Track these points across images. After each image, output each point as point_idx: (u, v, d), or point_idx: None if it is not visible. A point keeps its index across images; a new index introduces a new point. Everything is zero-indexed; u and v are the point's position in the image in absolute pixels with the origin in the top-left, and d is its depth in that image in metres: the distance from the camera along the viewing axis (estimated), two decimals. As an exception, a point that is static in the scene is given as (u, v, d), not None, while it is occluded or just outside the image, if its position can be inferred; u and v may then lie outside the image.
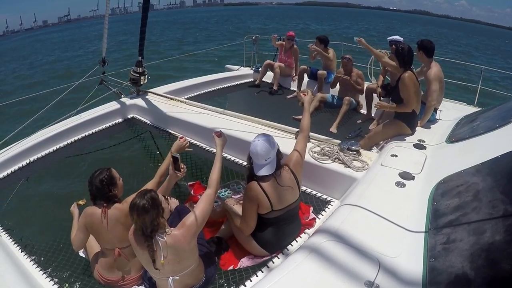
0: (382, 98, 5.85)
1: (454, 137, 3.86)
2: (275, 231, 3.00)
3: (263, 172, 2.86)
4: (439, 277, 1.99)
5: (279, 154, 2.97)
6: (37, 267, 3.12)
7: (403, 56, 4.32)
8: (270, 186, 2.87)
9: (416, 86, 4.30)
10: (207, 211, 2.59)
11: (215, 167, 2.82)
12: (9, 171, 4.57)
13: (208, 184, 2.74)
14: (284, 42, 8.34)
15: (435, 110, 4.87)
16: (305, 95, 3.68)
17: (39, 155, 4.90)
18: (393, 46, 5.79)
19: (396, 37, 6.08)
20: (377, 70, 6.93)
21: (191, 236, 2.45)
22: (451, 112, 5.21)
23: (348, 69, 6.67)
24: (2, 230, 3.60)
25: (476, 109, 5.58)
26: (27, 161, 4.75)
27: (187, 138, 3.42)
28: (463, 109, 5.47)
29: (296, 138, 3.99)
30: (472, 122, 4.00)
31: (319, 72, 7.48)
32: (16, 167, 4.64)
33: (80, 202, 3.19)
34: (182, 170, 3.09)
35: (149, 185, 3.03)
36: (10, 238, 3.50)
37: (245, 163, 4.26)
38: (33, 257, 3.27)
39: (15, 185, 4.31)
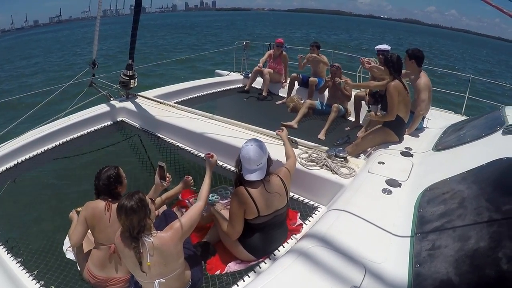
0: (370, 106, 5.90)
1: (441, 145, 3.90)
2: (262, 236, 3.00)
3: (253, 177, 2.86)
4: (424, 282, 2.01)
5: (269, 160, 2.99)
6: (23, 269, 3.08)
7: (393, 65, 4.36)
8: (257, 191, 2.87)
9: (402, 94, 4.33)
10: (195, 220, 2.64)
11: (205, 183, 2.90)
12: None
13: (198, 197, 2.80)
14: (272, 50, 8.39)
15: (423, 118, 4.92)
16: (281, 131, 3.82)
17: (27, 156, 4.84)
18: (380, 55, 5.86)
19: (384, 46, 6.14)
20: (365, 78, 7.00)
21: (177, 239, 2.45)
22: (438, 120, 5.27)
23: (337, 77, 6.71)
24: None
25: (463, 117, 5.65)
26: (15, 162, 4.69)
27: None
28: (450, 118, 5.54)
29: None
30: (459, 131, 4.05)
31: (311, 79, 7.55)
32: (4, 167, 4.58)
33: (79, 209, 3.17)
34: (167, 179, 3.15)
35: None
36: None
37: (233, 169, 4.27)
38: (20, 259, 3.22)
39: (1, 186, 4.25)
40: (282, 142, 3.75)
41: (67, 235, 3.33)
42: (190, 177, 3.41)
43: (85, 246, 3.13)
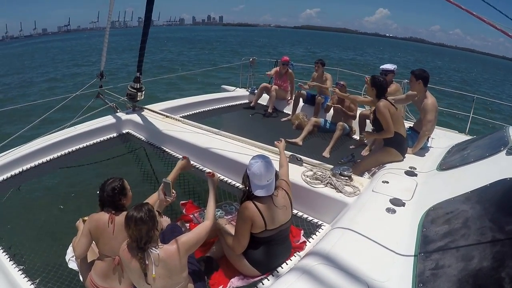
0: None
1: (445, 165, 3.91)
2: (266, 250, 3.01)
3: (263, 193, 2.88)
4: (427, 302, 2.01)
5: (277, 175, 3.03)
6: (25, 277, 3.08)
7: (381, 88, 4.50)
8: (265, 206, 2.89)
9: (392, 111, 4.39)
10: (202, 238, 2.68)
11: (210, 202, 2.97)
12: (0, 178, 4.54)
13: (206, 217, 2.85)
14: (278, 68, 8.47)
15: (427, 138, 4.93)
16: (279, 142, 3.89)
17: (32, 164, 4.87)
18: (385, 75, 5.98)
19: (388, 66, 6.21)
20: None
21: (183, 252, 2.47)
22: (442, 140, 5.27)
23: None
24: None
25: (468, 137, 5.65)
26: (20, 169, 4.72)
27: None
28: (454, 137, 5.54)
29: (289, 161, 4.05)
30: (463, 151, 4.06)
31: (318, 98, 7.60)
32: (9, 174, 4.60)
33: (85, 218, 3.19)
34: (173, 195, 3.16)
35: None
36: None
37: (237, 184, 4.28)
38: (22, 267, 3.23)
39: (5, 193, 4.28)
40: (287, 159, 3.76)
41: (70, 245, 3.35)
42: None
43: (89, 256, 3.13)
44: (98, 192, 2.97)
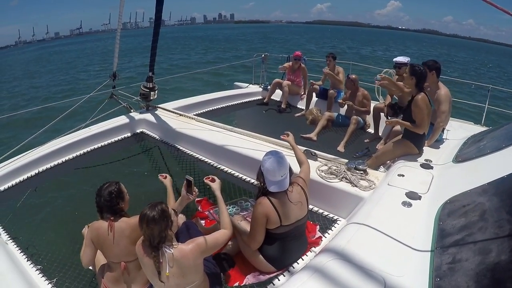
0: (389, 118, 5.86)
1: (461, 157, 3.87)
2: (282, 246, 3.02)
3: (277, 188, 2.89)
4: (444, 296, 2.00)
5: (291, 170, 3.02)
6: (43, 276, 3.14)
7: (421, 77, 4.28)
8: (280, 201, 2.89)
9: (428, 108, 4.28)
10: (220, 244, 2.70)
11: (221, 210, 2.94)
12: (17, 180, 4.64)
13: (223, 226, 2.82)
14: (291, 63, 8.44)
15: (443, 129, 4.87)
16: (286, 136, 3.82)
17: (48, 166, 4.96)
18: (398, 68, 5.92)
19: (401, 58, 6.14)
20: (384, 89, 6.97)
21: (197, 254, 2.47)
22: (458, 131, 5.21)
23: (354, 88, 6.71)
24: (9, 239, 3.63)
25: (484, 128, 5.59)
26: (36, 171, 4.82)
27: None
28: (470, 129, 5.47)
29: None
30: (479, 142, 4.01)
31: (330, 91, 7.56)
32: (25, 176, 4.70)
33: None
34: (194, 193, 3.17)
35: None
36: (17, 246, 3.53)
37: (252, 181, 4.29)
38: (39, 267, 3.29)
39: (23, 195, 4.35)
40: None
41: None
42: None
43: (101, 259, 3.11)
44: (95, 198, 2.87)
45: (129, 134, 6.09)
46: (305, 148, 4.43)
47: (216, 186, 3.12)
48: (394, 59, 6.25)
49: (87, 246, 2.88)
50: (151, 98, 6.41)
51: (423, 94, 4.26)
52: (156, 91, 6.41)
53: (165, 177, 3.43)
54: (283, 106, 8.15)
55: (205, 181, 3.18)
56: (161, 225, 2.35)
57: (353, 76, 6.74)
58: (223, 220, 2.86)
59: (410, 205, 3.14)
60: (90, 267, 3.33)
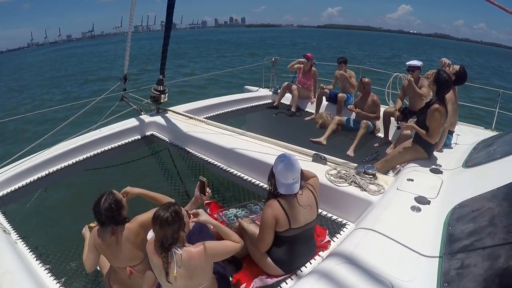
0: (399, 122, 5.84)
1: (471, 161, 3.85)
2: (291, 249, 3.03)
3: (289, 191, 2.90)
4: (452, 301, 2.00)
5: (302, 174, 3.03)
6: (51, 275, 3.19)
7: (444, 86, 4.18)
8: (290, 204, 2.90)
9: (443, 120, 4.21)
10: (229, 253, 2.67)
11: (225, 234, 2.77)
12: (28, 180, 4.69)
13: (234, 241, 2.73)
14: (303, 64, 8.43)
15: (452, 133, 4.85)
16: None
17: (58, 167, 5.02)
18: (411, 71, 5.91)
19: (414, 62, 6.11)
20: (395, 94, 6.95)
21: (205, 257, 2.46)
22: (468, 136, 5.19)
23: (365, 92, 6.69)
24: (19, 238, 3.67)
25: (494, 133, 5.55)
26: (47, 172, 4.88)
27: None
28: (480, 133, 5.45)
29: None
30: (489, 147, 3.99)
31: (339, 95, 7.56)
32: (36, 177, 4.75)
33: (92, 225, 3.16)
34: (207, 194, 3.18)
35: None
36: (26, 246, 3.57)
37: (262, 184, 4.31)
38: (48, 266, 3.34)
39: (33, 195, 4.41)
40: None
41: None
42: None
43: (107, 262, 3.08)
44: (93, 213, 2.81)
45: (139, 137, 6.14)
46: (315, 152, 4.43)
47: (202, 219, 2.85)
48: (407, 63, 6.22)
49: (90, 251, 2.89)
50: (162, 100, 6.45)
51: (442, 106, 4.16)
52: (167, 94, 6.45)
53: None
54: (293, 109, 8.14)
55: (190, 220, 2.82)
56: (174, 226, 2.35)
57: (366, 80, 6.68)
58: (230, 237, 2.73)
59: (419, 209, 3.13)
60: (98, 268, 3.37)
